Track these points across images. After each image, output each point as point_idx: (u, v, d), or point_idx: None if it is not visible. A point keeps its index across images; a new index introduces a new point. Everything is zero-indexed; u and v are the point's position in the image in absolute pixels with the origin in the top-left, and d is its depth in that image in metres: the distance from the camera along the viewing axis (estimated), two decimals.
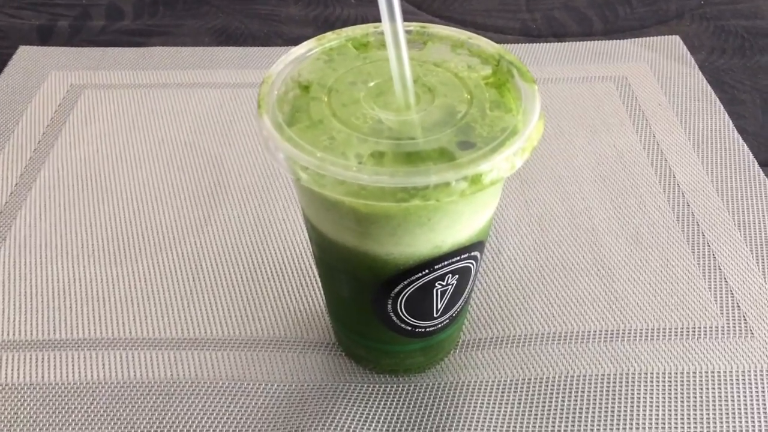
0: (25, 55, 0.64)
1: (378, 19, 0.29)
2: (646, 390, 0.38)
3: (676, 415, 0.37)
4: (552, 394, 0.38)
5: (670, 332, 0.40)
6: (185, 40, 0.67)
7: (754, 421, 0.36)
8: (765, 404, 0.37)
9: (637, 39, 0.66)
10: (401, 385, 0.38)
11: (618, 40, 0.66)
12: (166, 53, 0.65)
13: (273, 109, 0.28)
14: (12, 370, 0.39)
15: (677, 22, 0.70)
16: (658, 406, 0.37)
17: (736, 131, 0.55)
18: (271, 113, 0.28)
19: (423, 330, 0.34)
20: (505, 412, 0.37)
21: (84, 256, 0.45)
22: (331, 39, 0.32)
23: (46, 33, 0.68)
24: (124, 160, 0.53)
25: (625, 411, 0.37)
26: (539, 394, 0.38)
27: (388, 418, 0.37)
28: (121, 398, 0.38)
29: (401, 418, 0.37)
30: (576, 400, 0.37)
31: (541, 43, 0.66)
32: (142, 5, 0.73)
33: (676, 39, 0.66)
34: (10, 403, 0.37)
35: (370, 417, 0.37)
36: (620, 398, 0.37)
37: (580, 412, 0.37)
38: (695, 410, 0.37)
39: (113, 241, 0.46)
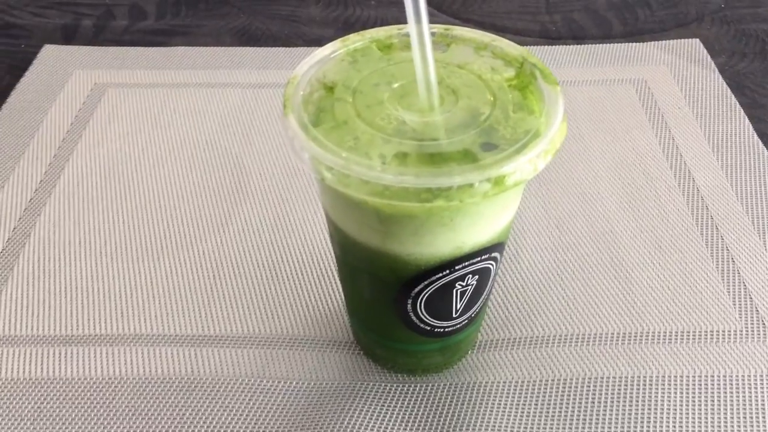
0: (49, 54, 0.65)
1: (398, 21, 0.29)
2: (663, 393, 0.38)
3: (693, 418, 0.37)
4: (569, 395, 0.38)
5: (689, 335, 0.40)
6: (207, 40, 0.68)
7: None
8: None
9: (656, 42, 0.66)
10: (419, 385, 0.38)
11: (638, 43, 0.66)
12: (188, 53, 0.65)
13: (298, 109, 0.28)
14: (35, 365, 0.40)
15: (697, 25, 0.70)
16: (675, 410, 0.37)
17: (756, 135, 0.55)
18: (296, 113, 0.28)
19: (442, 330, 0.35)
20: (522, 412, 0.37)
21: (106, 253, 0.46)
22: (356, 40, 0.32)
23: (70, 32, 0.69)
24: (147, 159, 0.53)
25: (643, 414, 0.37)
26: (556, 396, 0.38)
27: (406, 417, 0.37)
28: (143, 394, 0.38)
29: (418, 417, 0.37)
30: (593, 402, 0.37)
31: (561, 46, 0.66)
32: (165, 5, 0.74)
33: (696, 42, 0.66)
34: (34, 397, 0.38)
35: (388, 416, 0.37)
36: (638, 401, 0.37)
37: (597, 414, 0.37)
38: (713, 414, 0.37)
39: (135, 239, 0.47)
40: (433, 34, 0.32)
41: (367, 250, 0.30)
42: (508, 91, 0.29)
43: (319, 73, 0.31)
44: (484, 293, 0.34)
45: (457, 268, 0.30)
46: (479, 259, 0.31)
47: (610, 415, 0.37)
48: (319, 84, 0.30)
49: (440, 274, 0.31)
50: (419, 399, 0.38)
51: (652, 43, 0.66)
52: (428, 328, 0.34)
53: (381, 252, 0.30)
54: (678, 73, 0.62)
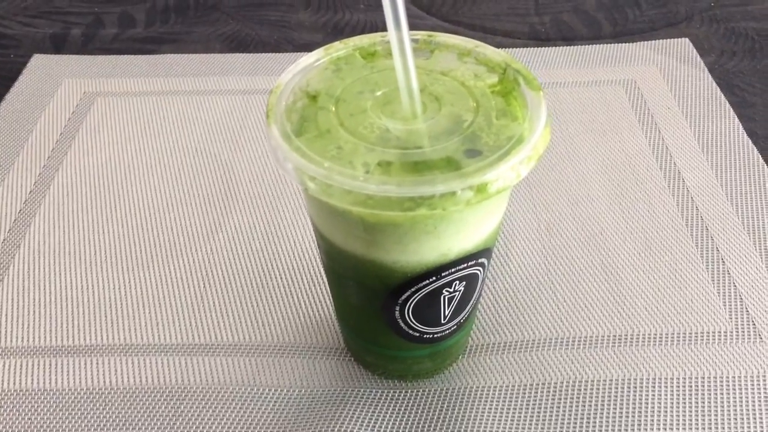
0: (39, 63, 0.65)
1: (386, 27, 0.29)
2: (654, 395, 0.38)
3: (684, 420, 0.37)
4: (560, 399, 0.38)
5: (679, 337, 0.40)
6: (196, 47, 0.68)
7: (763, 427, 0.36)
8: None
9: (646, 42, 0.66)
10: (410, 391, 0.38)
11: (627, 44, 0.66)
12: (177, 60, 0.65)
13: (281, 119, 0.28)
14: (25, 376, 0.39)
15: (687, 25, 0.70)
16: (666, 412, 0.37)
17: (745, 134, 0.55)
18: (279, 123, 0.28)
19: (431, 336, 0.35)
20: (514, 417, 0.37)
21: (96, 263, 0.46)
22: (339, 48, 0.32)
23: (59, 41, 0.69)
24: (137, 167, 0.53)
25: (633, 416, 0.37)
26: (547, 399, 0.38)
27: (397, 423, 0.37)
28: (133, 404, 0.38)
29: (410, 423, 0.37)
30: (584, 405, 0.37)
31: (550, 47, 0.66)
32: (154, 13, 0.74)
33: (686, 42, 0.66)
34: (24, 408, 0.38)
35: (379, 422, 0.37)
36: (628, 403, 0.37)
37: (589, 418, 0.37)
38: (704, 416, 0.37)
39: (125, 248, 0.47)
40: (416, 40, 0.32)
41: (353, 258, 0.30)
42: (491, 98, 0.29)
43: (302, 82, 0.31)
44: (473, 299, 0.34)
45: (443, 274, 0.30)
46: (466, 265, 0.31)
47: (602, 418, 0.37)
48: (302, 93, 0.30)
49: (427, 281, 0.30)
50: (410, 405, 0.38)
51: (642, 43, 0.66)
52: (417, 335, 0.34)
53: (367, 260, 0.30)
54: (667, 73, 0.62)
